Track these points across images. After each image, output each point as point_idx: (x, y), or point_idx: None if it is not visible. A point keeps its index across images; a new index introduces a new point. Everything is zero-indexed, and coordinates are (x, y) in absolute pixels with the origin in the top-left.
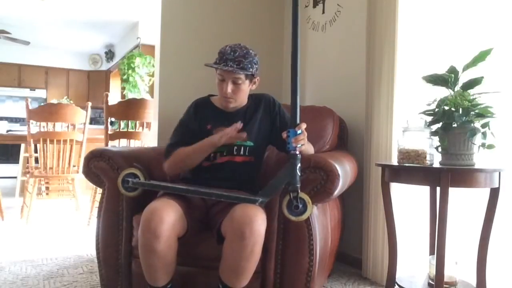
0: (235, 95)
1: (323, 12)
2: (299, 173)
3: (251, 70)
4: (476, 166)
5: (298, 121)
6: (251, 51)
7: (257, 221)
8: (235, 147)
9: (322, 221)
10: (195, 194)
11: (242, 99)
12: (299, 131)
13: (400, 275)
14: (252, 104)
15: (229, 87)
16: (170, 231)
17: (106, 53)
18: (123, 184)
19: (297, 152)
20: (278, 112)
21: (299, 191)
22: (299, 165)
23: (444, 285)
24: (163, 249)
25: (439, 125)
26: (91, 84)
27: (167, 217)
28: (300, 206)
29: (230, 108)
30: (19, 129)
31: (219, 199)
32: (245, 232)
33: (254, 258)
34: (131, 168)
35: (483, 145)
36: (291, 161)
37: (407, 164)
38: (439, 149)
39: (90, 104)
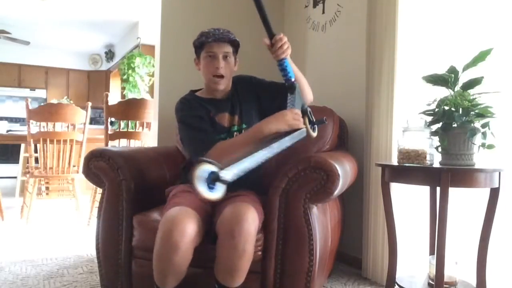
0: (226, 71)
1: (323, 12)
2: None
3: (237, 42)
4: (476, 166)
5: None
6: None
7: (246, 220)
8: (235, 134)
9: (322, 221)
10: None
11: (229, 79)
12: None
13: (400, 275)
14: (233, 89)
15: (221, 63)
16: (190, 243)
17: (106, 53)
18: (207, 185)
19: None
20: (256, 84)
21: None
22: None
23: (444, 285)
24: (179, 260)
25: (439, 125)
26: (91, 84)
27: (188, 230)
28: (314, 120)
29: (219, 89)
30: (19, 129)
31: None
32: (234, 231)
33: (246, 256)
34: (206, 163)
35: (483, 145)
36: (297, 90)
37: (407, 164)
38: (439, 149)
39: (90, 104)
